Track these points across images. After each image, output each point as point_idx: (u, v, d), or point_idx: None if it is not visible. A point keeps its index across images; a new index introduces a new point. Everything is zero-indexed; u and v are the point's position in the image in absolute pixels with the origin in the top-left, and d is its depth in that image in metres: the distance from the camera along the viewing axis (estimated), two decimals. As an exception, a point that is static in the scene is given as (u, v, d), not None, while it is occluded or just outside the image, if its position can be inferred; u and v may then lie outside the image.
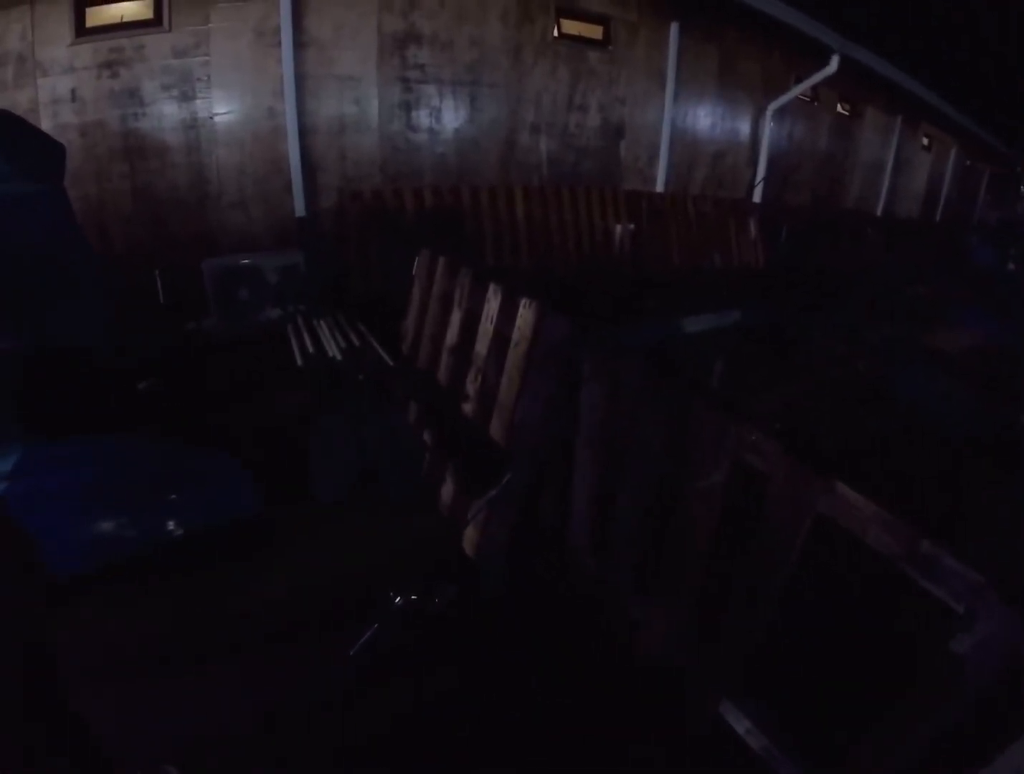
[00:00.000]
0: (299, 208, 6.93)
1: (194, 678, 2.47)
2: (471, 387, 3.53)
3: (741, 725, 2.26)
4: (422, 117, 7.76)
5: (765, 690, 2.28)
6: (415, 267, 4.34)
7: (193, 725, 2.27)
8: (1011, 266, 16.59)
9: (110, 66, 6.09)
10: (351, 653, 2.45)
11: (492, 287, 3.36)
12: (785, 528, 1.97)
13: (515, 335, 3.11)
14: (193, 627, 2.71)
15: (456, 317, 3.74)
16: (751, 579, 2.13)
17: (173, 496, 3.11)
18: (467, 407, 3.56)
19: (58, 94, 6.05)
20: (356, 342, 5.06)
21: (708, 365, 6.21)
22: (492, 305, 3.35)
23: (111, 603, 2.76)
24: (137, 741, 2.11)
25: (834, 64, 10.91)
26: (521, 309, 3.06)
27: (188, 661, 2.54)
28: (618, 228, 9.24)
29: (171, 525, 3.04)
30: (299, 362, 4.78)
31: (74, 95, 6.08)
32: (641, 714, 2.48)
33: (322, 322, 5.53)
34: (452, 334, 3.78)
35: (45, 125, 5.71)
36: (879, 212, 17.03)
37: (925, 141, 18.47)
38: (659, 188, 10.51)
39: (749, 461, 2.11)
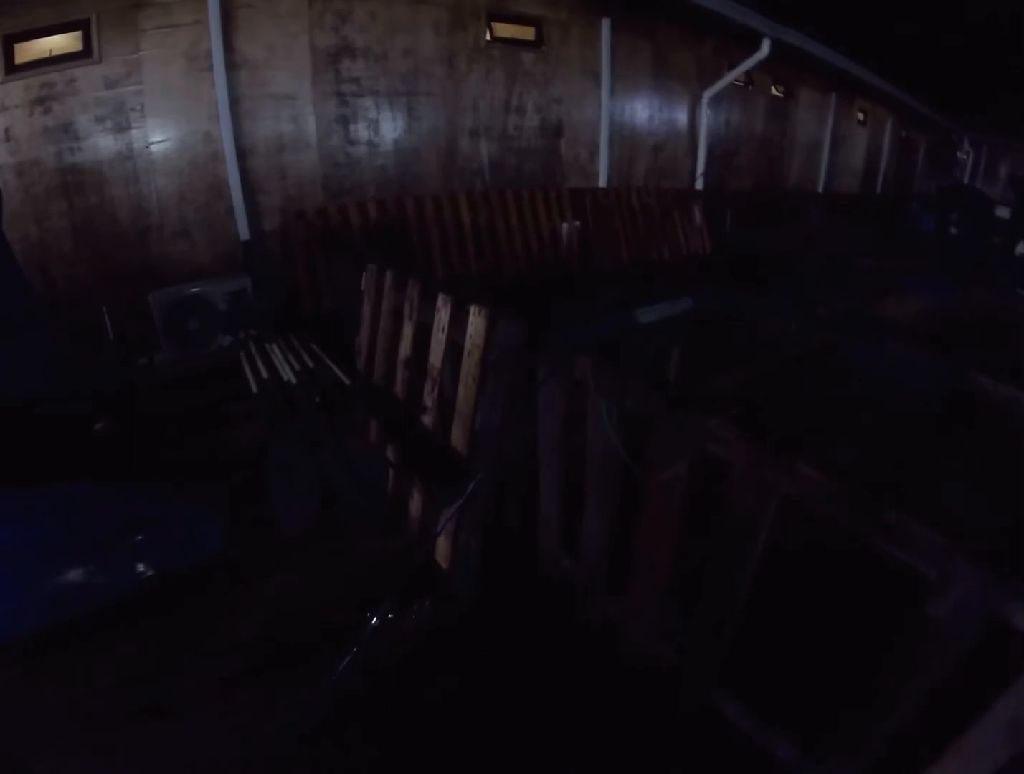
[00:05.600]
0: (243, 232, 6.85)
1: (171, 725, 2.42)
2: (428, 399, 3.53)
3: (731, 708, 2.28)
4: (360, 130, 7.72)
5: (752, 672, 2.30)
6: (363, 283, 4.31)
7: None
8: (953, 231, 16.93)
9: (42, 102, 5.97)
10: (333, 679, 2.43)
11: (441, 297, 3.36)
12: (750, 513, 1.99)
13: (467, 343, 3.11)
14: (164, 673, 2.65)
15: (408, 330, 3.73)
16: (722, 566, 2.14)
17: (138, 540, 3.04)
18: (427, 419, 3.56)
19: (-9, 135, 5.94)
20: (310, 363, 5.01)
21: (665, 354, 6.24)
22: (443, 315, 3.35)
23: (77, 657, 2.69)
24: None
25: (765, 48, 11.01)
26: (472, 317, 3.06)
27: (161, 709, 2.48)
28: (564, 226, 9.28)
29: (137, 570, 2.97)
30: (254, 389, 4.73)
31: (7, 134, 5.95)
32: (628, 710, 2.49)
33: (275, 346, 5.48)
34: (405, 348, 3.77)
35: (-21, 168, 5.61)
36: (820, 189, 17.26)
37: (860, 116, 18.73)
38: (602, 184, 10.55)
39: (710, 449, 2.12)
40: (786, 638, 2.47)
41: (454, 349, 3.30)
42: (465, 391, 3.16)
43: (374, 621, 2.57)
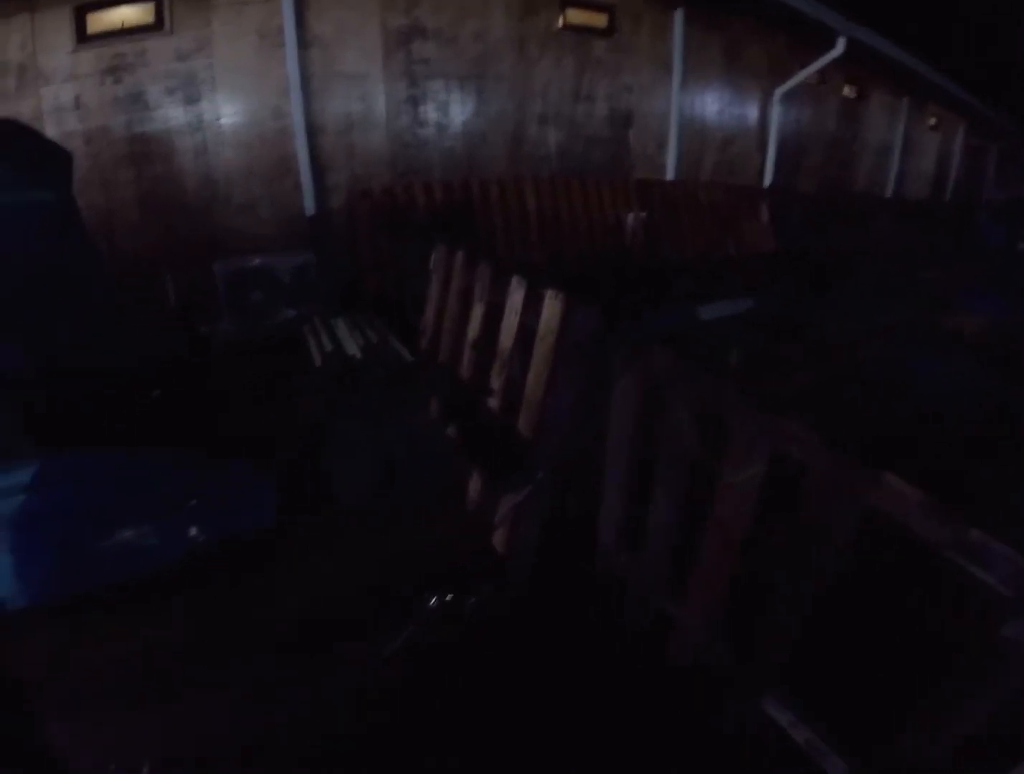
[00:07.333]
0: (309, 207, 6.90)
1: (220, 691, 2.38)
2: (496, 382, 3.47)
3: (784, 717, 2.21)
4: (429, 112, 7.72)
5: (808, 681, 2.23)
6: (432, 262, 4.29)
7: (221, 739, 2.21)
8: (1022, 245, 16.49)
9: (113, 72, 6.07)
10: (384, 655, 2.41)
11: (516, 279, 3.30)
12: (830, 521, 1.92)
13: (541, 328, 3.03)
14: (218, 639, 2.61)
15: (478, 311, 3.67)
16: (792, 574, 2.08)
17: (191, 505, 3.03)
18: (492, 402, 3.50)
19: (61, 102, 6.03)
20: (374, 340, 5.00)
21: (724, 352, 6.16)
22: (516, 298, 3.29)
23: (132, 618, 2.67)
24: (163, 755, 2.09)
25: (840, 47, 10.82)
26: (547, 301, 2.99)
27: (212, 674, 2.44)
28: (630, 217, 9.17)
29: (190, 534, 2.95)
30: (317, 362, 4.74)
31: (78, 102, 6.06)
32: (677, 712, 2.44)
33: (339, 321, 5.48)
34: (474, 328, 3.71)
35: (49, 133, 5.67)
36: (889, 194, 16.92)
37: (932, 121, 18.33)
38: (669, 176, 10.45)
39: (790, 453, 2.05)
40: (840, 644, 2.41)
41: (526, 333, 3.24)
42: (536, 376, 3.09)
43: (433, 601, 2.55)
